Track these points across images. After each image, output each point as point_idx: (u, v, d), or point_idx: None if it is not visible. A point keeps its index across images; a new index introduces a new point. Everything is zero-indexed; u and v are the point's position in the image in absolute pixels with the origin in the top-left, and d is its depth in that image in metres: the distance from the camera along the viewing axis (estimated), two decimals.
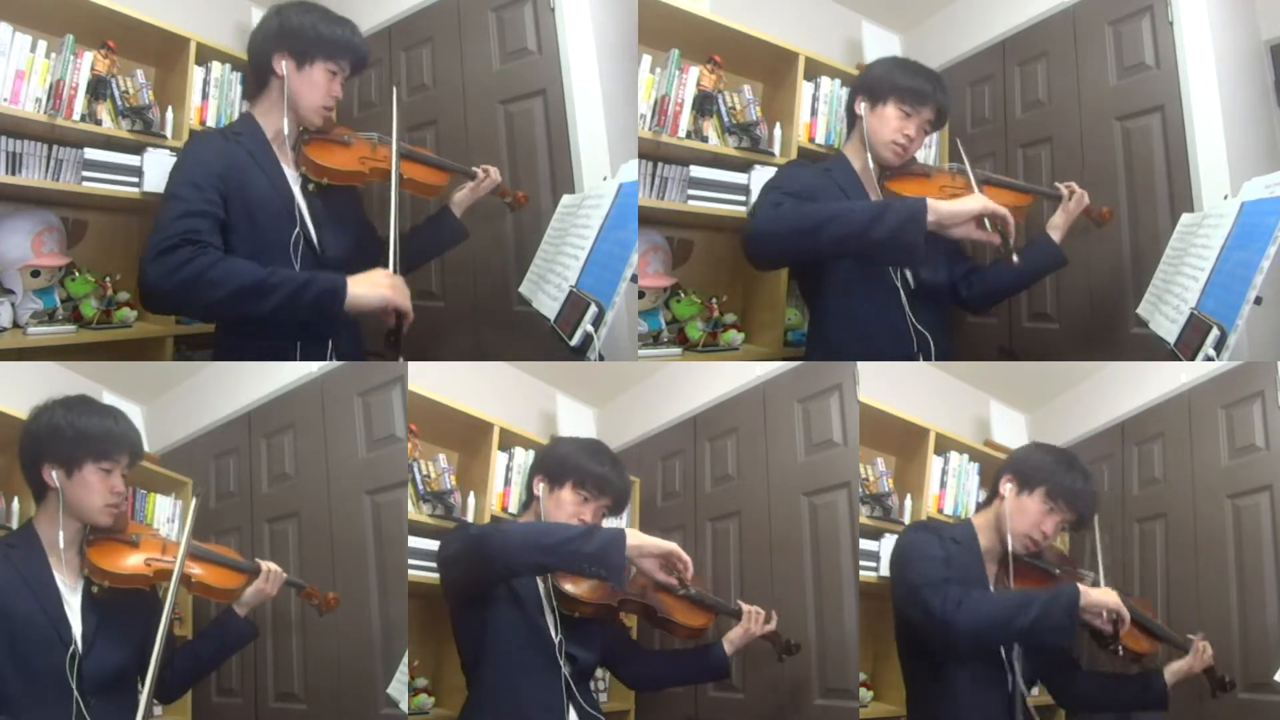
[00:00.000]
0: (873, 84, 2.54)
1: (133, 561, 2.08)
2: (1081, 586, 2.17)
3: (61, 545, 2.02)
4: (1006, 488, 2.33)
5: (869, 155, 2.54)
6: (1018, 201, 2.55)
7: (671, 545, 2.08)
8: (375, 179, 2.38)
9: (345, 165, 2.33)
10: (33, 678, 1.94)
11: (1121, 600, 2.21)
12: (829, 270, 2.52)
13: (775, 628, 2.55)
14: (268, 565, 2.30)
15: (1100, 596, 2.18)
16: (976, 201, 2.31)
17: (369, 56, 2.39)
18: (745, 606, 2.52)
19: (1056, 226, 2.58)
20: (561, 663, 2.24)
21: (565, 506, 2.30)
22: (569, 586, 2.26)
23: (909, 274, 2.50)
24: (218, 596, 2.27)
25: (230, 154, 2.23)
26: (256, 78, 2.34)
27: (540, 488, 2.33)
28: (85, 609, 2.02)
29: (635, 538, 2.05)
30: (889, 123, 2.49)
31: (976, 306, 2.80)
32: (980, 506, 2.44)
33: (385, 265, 2.30)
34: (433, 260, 2.88)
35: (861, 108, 2.55)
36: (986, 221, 2.31)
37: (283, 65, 2.27)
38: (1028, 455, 2.40)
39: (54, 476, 2.02)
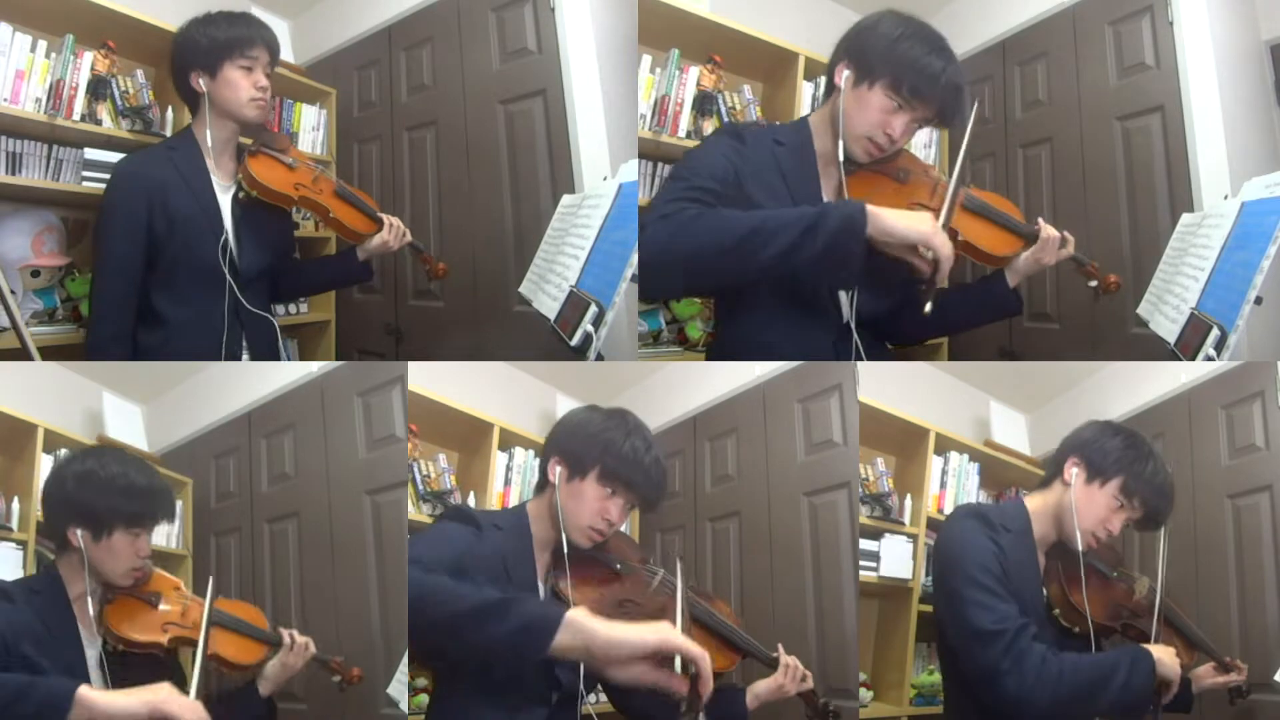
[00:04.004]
0: (865, 51, 1.91)
1: (149, 626, 1.95)
2: (1156, 656, 1.91)
3: (87, 603, 1.87)
4: (1072, 472, 2.01)
5: (840, 144, 1.93)
6: (999, 247, 2.02)
7: (661, 638, 1.36)
8: (304, 207, 2.45)
9: (276, 185, 2.38)
10: None
11: (1169, 615, 2.06)
12: (747, 286, 1.99)
13: (812, 685, 2.10)
14: (291, 636, 2.12)
15: (1169, 669, 1.92)
16: (924, 226, 1.84)
17: (276, 41, 2.40)
18: (784, 657, 2.07)
19: (1017, 270, 2.02)
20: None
21: (589, 501, 1.84)
22: (573, 592, 1.83)
23: (844, 302, 2.00)
24: (235, 671, 2.08)
25: (157, 175, 2.30)
26: (186, 100, 2.39)
27: (557, 473, 1.86)
28: (107, 664, 1.90)
29: (596, 631, 1.36)
30: (871, 112, 1.90)
31: (896, 341, 2.19)
32: (1036, 487, 2.13)
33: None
34: (329, 290, 3.24)
35: (843, 77, 1.92)
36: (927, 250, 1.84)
37: (200, 82, 2.32)
38: (1099, 438, 2.03)
39: (79, 537, 1.86)
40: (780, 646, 2.10)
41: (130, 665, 1.93)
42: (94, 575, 1.89)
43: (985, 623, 1.85)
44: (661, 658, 1.35)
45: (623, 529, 2.04)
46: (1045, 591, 2.04)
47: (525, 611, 1.42)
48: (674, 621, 1.66)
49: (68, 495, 1.88)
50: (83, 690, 1.48)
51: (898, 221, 1.83)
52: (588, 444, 1.85)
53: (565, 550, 1.83)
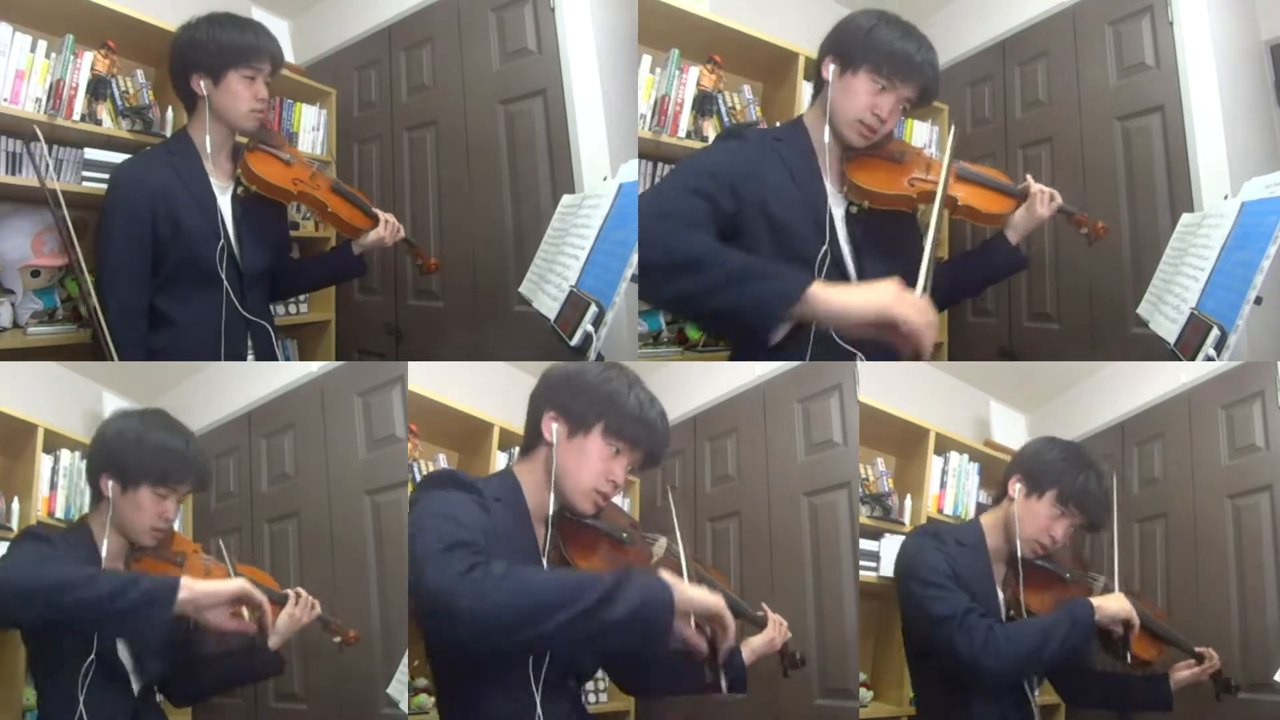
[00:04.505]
0: (845, 43, 2.06)
1: None
2: (1095, 601, 2.12)
3: (104, 554, 1.99)
4: (1015, 488, 2.21)
5: (827, 129, 2.07)
6: (995, 206, 2.21)
7: (718, 605, 1.57)
8: (302, 202, 2.48)
9: (275, 180, 2.39)
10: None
11: (1132, 605, 2.17)
12: None
13: (789, 636, 2.24)
14: (298, 592, 2.22)
15: (1113, 607, 2.12)
16: (884, 298, 1.80)
17: (281, 54, 2.41)
18: (770, 614, 2.18)
19: (1015, 227, 2.20)
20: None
21: (592, 460, 1.75)
22: (580, 563, 1.80)
23: (853, 275, 2.07)
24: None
25: (157, 179, 2.32)
26: (183, 99, 2.40)
27: (554, 430, 1.76)
28: None
29: (681, 592, 1.52)
30: (858, 95, 2.02)
31: None
32: (990, 505, 2.35)
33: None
34: (327, 286, 3.21)
35: (829, 70, 2.07)
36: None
37: (201, 85, 2.32)
38: (1038, 454, 2.25)
39: (109, 487, 2.00)
40: (764, 605, 2.19)
41: None
42: (117, 527, 2.00)
43: (939, 611, 2.07)
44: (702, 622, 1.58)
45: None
46: (1001, 596, 2.22)
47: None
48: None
49: (106, 444, 2.03)
50: (186, 579, 1.68)
51: (853, 301, 1.82)
52: (590, 398, 1.75)
53: (550, 514, 1.75)
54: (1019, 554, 2.18)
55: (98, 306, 2.25)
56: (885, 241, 2.09)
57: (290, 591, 2.21)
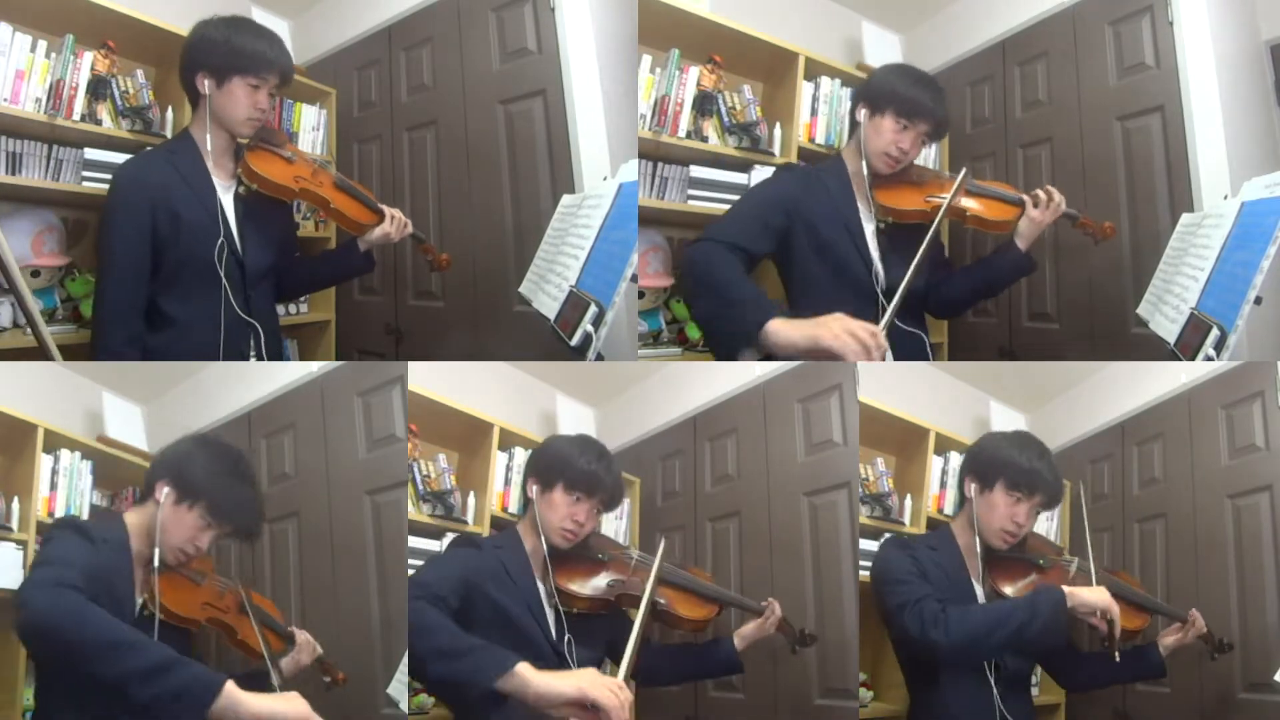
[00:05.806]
0: (873, 92, 2.51)
1: (191, 603, 2.12)
2: (1067, 589, 2.20)
3: (133, 552, 2.06)
4: (970, 489, 2.37)
5: (864, 162, 2.51)
6: (1001, 214, 2.51)
7: (580, 689, 1.78)
8: (303, 199, 2.48)
9: (276, 178, 2.40)
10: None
11: (1110, 585, 2.27)
12: (803, 271, 2.49)
13: (783, 616, 2.46)
14: (306, 636, 2.37)
15: (1089, 596, 2.21)
16: (821, 329, 2.16)
17: (291, 68, 2.43)
18: (770, 604, 2.45)
19: (1022, 234, 2.50)
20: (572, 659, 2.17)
21: (558, 508, 2.23)
22: (567, 583, 2.24)
23: (880, 276, 2.46)
24: (255, 657, 2.29)
25: (158, 178, 2.33)
26: (188, 95, 2.41)
27: (533, 490, 2.27)
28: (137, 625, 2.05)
29: (536, 683, 1.80)
30: (884, 134, 2.46)
31: (941, 314, 2.88)
32: (956, 511, 2.49)
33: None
34: (333, 285, 3.17)
35: (861, 114, 2.52)
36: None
37: (205, 84, 2.33)
38: (981, 451, 2.42)
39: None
40: (771, 600, 2.45)
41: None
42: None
43: (896, 601, 2.25)
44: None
45: (621, 535, 2.41)
46: (981, 591, 2.35)
47: (482, 656, 1.86)
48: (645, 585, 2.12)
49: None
50: (231, 685, 1.62)
51: (796, 334, 2.17)
52: (554, 463, 2.26)
53: (546, 550, 2.24)
54: (990, 547, 2.34)
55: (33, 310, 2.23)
56: (907, 251, 2.43)
57: (299, 634, 2.36)
